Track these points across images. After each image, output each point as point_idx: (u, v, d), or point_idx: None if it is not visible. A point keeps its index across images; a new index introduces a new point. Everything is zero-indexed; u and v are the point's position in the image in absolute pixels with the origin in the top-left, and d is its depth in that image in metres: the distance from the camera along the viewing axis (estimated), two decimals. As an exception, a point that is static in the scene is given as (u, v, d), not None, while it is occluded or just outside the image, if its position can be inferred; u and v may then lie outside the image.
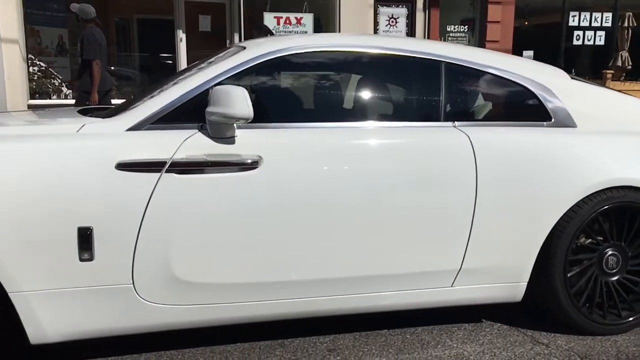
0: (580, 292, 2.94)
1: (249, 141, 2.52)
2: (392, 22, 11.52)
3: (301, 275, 2.59)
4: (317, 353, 2.78)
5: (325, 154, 2.59)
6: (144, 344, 2.79)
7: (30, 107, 10.24)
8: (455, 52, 2.94)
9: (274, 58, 2.69)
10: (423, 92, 2.89)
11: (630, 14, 10.39)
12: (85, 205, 2.35)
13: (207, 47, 11.62)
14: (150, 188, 2.40)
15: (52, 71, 11.18)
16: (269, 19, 10.72)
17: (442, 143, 2.72)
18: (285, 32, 10.87)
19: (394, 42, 2.89)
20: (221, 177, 2.47)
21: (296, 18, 11.01)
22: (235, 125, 2.50)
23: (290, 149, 2.55)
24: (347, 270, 2.65)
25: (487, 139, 2.77)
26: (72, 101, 8.64)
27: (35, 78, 10.95)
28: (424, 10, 11.58)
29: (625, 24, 10.25)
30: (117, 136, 2.45)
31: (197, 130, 2.52)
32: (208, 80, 2.60)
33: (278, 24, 10.79)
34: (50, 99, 10.94)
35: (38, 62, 11.05)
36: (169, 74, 11.59)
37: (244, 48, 2.75)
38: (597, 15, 12.84)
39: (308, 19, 11.09)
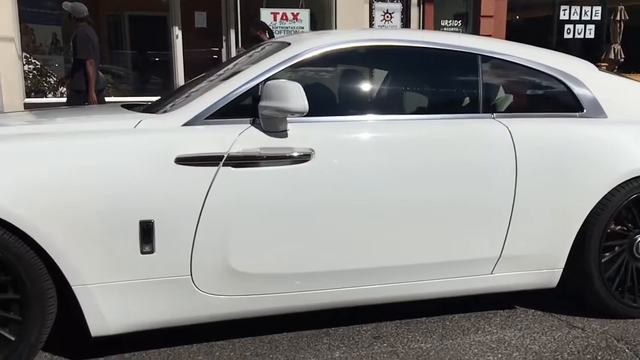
0: (613, 277, 3.04)
1: (300, 134, 2.58)
2: (387, 17, 11.60)
3: (351, 265, 2.67)
4: (363, 340, 2.85)
5: (374, 145, 2.66)
6: (194, 335, 2.84)
7: (26, 106, 10.17)
8: (490, 45, 3.03)
9: (319, 53, 2.75)
10: (462, 85, 2.98)
11: (623, 7, 10.57)
12: (146, 199, 2.40)
13: (203, 44, 11.64)
14: (208, 182, 2.45)
15: (47, 69, 11.12)
16: (266, 15, 10.74)
17: (484, 134, 2.80)
18: (281, 28, 10.90)
19: (433, 36, 2.98)
20: (275, 170, 2.53)
21: (292, 14, 11.05)
22: (287, 119, 2.55)
23: (340, 142, 2.62)
24: (395, 259, 2.73)
25: (526, 130, 2.85)
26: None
27: (30, 76, 10.87)
28: (419, 5, 11.68)
29: (618, 18, 10.43)
30: (174, 131, 2.50)
31: (249, 125, 2.57)
32: (257, 76, 2.66)
33: (275, 19, 10.81)
34: (46, 97, 10.87)
35: (33, 61, 10.98)
36: (163, 71, 11.59)
37: (289, 44, 2.81)
38: (587, 9, 13.02)
39: (304, 14, 11.12)
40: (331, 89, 3.01)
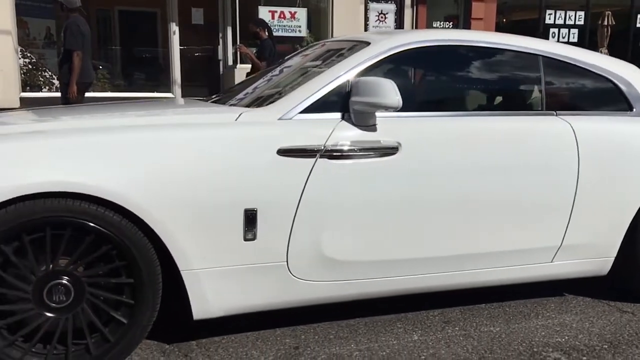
0: (659, 265, 3.26)
1: (387, 129, 2.73)
2: (382, 17, 11.82)
3: (432, 252, 2.83)
4: (434, 325, 3.02)
5: (453, 140, 2.82)
6: (274, 320, 2.96)
7: (22, 100, 10.07)
8: (549, 47, 3.22)
9: (400, 51, 2.91)
10: (526, 84, 3.18)
11: (609, 12, 10.96)
12: (251, 189, 2.52)
13: (200, 40, 11.67)
14: (306, 173, 2.59)
15: (42, 63, 11.03)
16: (264, 13, 10.85)
17: (550, 131, 2.99)
18: (279, 26, 11.01)
19: (499, 37, 3.15)
20: (365, 162, 2.68)
21: (290, 12, 11.18)
22: (376, 114, 2.70)
23: (423, 136, 2.78)
24: (470, 247, 2.90)
25: (586, 127, 3.05)
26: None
27: (25, 71, 10.78)
28: (412, 6, 11.93)
29: (605, 22, 10.81)
30: (273, 124, 2.63)
31: (340, 119, 2.71)
32: (344, 74, 2.79)
33: (272, 18, 10.93)
34: (41, 91, 10.79)
35: (28, 54, 10.89)
36: (160, 66, 11.58)
37: (368, 43, 2.95)
38: (571, 13, 13.47)
39: (302, 13, 11.27)
40: (412, 86, 3.16)
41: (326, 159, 2.62)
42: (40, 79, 10.83)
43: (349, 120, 2.71)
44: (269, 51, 7.78)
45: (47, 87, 10.83)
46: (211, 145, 2.50)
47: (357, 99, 2.66)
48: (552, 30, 13.30)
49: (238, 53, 10.93)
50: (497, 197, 2.89)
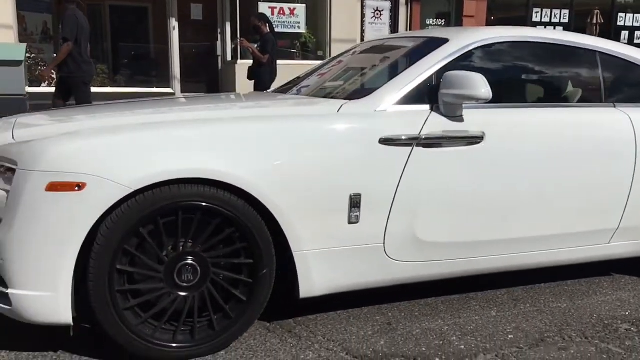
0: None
1: (473, 119, 2.94)
2: (377, 14, 12.04)
3: (513, 234, 3.06)
4: (505, 302, 3.25)
5: (530, 130, 3.05)
6: (358, 299, 3.15)
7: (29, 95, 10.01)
8: (604, 44, 3.47)
9: (477, 47, 3.12)
10: (588, 78, 3.42)
11: (598, 11, 11.38)
12: (355, 175, 2.70)
13: (198, 36, 11.73)
14: (404, 160, 2.78)
15: (41, 58, 10.99)
16: (264, 9, 10.97)
17: (610, 121, 3.24)
18: (278, 22, 11.14)
19: (563, 35, 3.41)
20: (453, 150, 2.89)
21: (289, 9, 11.33)
22: (462, 105, 2.91)
23: (505, 126, 3.00)
24: (542, 229, 3.13)
25: (642, 117, 3.31)
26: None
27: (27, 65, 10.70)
28: (407, 4, 12.17)
29: (594, 21, 11.21)
30: (373, 116, 2.82)
31: (430, 110, 2.91)
32: (430, 68, 3.00)
33: (272, 14, 11.06)
34: (40, 86, 10.72)
35: (28, 49, 10.81)
36: (159, 61, 11.60)
37: (446, 40, 3.16)
38: (557, 12, 13.90)
39: (301, 9, 11.42)
40: (491, 80, 3.36)
41: (421, 148, 2.82)
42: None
43: (437, 111, 2.91)
44: (272, 45, 7.92)
45: (46, 82, 10.77)
46: (320, 135, 2.67)
47: (448, 91, 2.86)
48: (538, 27, 13.68)
49: (238, 48, 11.04)
50: (565, 182, 3.13)
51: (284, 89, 3.93)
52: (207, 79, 11.68)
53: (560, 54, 3.37)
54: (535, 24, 13.62)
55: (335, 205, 2.70)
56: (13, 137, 2.61)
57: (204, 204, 2.46)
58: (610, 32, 14.31)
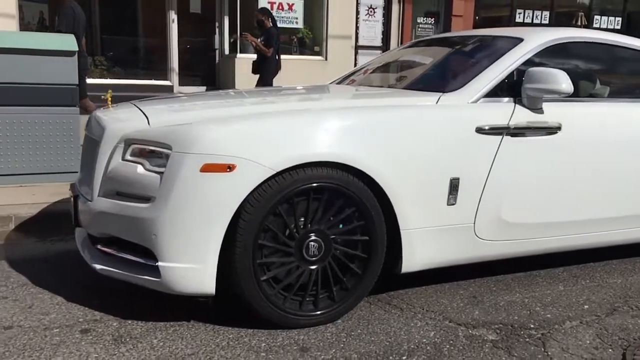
0: None
1: (551, 112, 3.25)
2: (371, 11, 12.35)
3: (585, 215, 3.39)
4: (567, 279, 3.58)
5: (600, 121, 3.40)
6: (426, 278, 3.43)
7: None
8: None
9: (550, 46, 3.44)
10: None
11: (582, 13, 11.91)
12: (455, 161, 2.99)
13: (196, 29, 11.82)
14: (495, 148, 3.08)
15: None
16: (264, 4, 11.12)
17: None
18: (277, 17, 11.29)
19: (621, 37, 3.76)
20: (535, 139, 3.20)
21: (288, 4, 11.53)
22: (542, 98, 3.22)
23: (580, 118, 3.33)
24: (611, 211, 3.48)
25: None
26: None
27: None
28: (399, 2, 12.50)
29: (579, 23, 11.73)
30: (468, 107, 3.10)
31: (513, 103, 3.21)
32: (512, 64, 3.29)
33: (272, 9, 11.21)
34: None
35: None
36: (157, 54, 11.64)
37: (521, 39, 3.46)
38: (538, 13, 14.43)
39: (299, 5, 11.63)
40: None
41: (509, 137, 3.11)
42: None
43: (520, 103, 3.21)
44: (276, 39, 8.17)
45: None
46: (426, 124, 2.95)
47: (532, 85, 3.16)
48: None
49: (238, 42, 11.19)
50: (628, 168, 3.47)
51: (349, 81, 4.18)
52: (204, 72, 11.79)
53: (619, 54, 3.72)
54: (518, 25, 14.12)
55: (438, 188, 2.97)
56: (149, 124, 2.81)
57: (332, 185, 2.70)
58: (587, 33, 14.91)
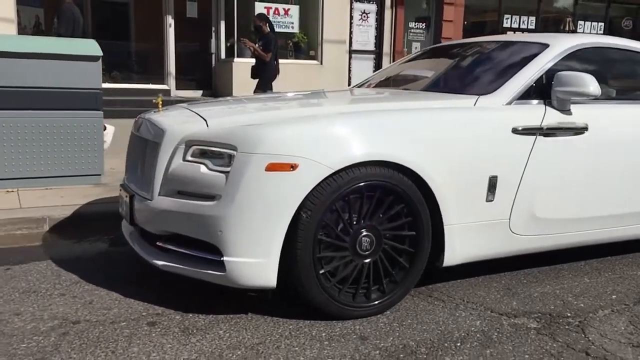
0: None
1: (578, 113, 3.44)
2: (364, 16, 12.54)
3: (610, 211, 3.59)
4: (590, 271, 3.77)
5: (625, 121, 3.61)
6: (459, 272, 3.60)
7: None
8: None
9: (574, 51, 3.63)
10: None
11: (570, 19, 12.23)
12: (493, 160, 3.16)
13: (192, 33, 11.90)
14: (529, 147, 3.26)
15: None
16: (260, 9, 11.27)
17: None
18: (273, 22, 11.43)
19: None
20: (565, 139, 3.38)
21: (284, 9, 11.67)
22: (570, 100, 3.41)
23: (605, 119, 3.53)
24: (634, 206, 3.67)
25: None
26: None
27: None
28: (391, 7, 12.71)
29: (567, 28, 12.05)
30: (504, 109, 3.28)
31: (544, 105, 3.39)
32: (541, 68, 3.48)
33: (268, 14, 11.35)
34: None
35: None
36: (154, 58, 11.69)
37: (547, 45, 3.65)
38: (525, 18, 14.76)
39: (295, 10, 11.78)
40: None
41: (542, 137, 3.30)
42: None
43: (549, 105, 3.40)
44: (274, 44, 8.33)
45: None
46: (468, 125, 3.12)
47: (561, 88, 3.34)
48: (509, 33, 14.50)
49: (235, 47, 11.31)
50: (646, 167, 3.69)
51: (378, 85, 4.35)
52: (200, 76, 11.87)
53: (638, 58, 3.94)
54: (505, 29, 14.44)
55: (478, 185, 3.14)
56: (207, 125, 2.94)
57: (383, 183, 2.85)
58: (572, 38, 15.27)
